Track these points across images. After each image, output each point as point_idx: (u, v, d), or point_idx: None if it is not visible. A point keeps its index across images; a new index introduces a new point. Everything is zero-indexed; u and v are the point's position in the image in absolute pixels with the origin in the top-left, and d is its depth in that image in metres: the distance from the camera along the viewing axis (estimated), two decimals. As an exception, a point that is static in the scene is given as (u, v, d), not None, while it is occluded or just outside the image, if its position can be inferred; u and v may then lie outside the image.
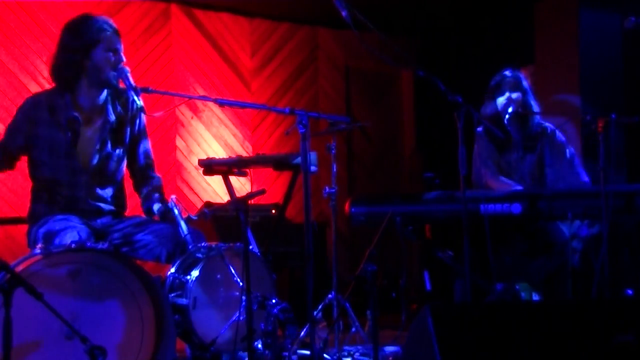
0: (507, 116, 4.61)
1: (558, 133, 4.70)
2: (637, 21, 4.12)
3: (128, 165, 4.09)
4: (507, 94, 4.62)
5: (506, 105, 4.61)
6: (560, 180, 4.61)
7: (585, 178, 4.63)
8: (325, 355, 4.12)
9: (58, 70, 3.87)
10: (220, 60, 6.94)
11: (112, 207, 3.95)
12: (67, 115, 3.82)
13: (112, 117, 3.93)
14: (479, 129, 4.71)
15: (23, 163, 5.71)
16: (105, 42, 3.82)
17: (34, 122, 3.79)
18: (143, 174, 4.11)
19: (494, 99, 4.66)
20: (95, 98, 3.87)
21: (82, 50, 3.80)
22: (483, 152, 4.67)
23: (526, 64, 6.75)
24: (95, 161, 3.89)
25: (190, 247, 3.82)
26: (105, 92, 3.87)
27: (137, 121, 4.03)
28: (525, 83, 4.67)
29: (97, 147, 3.89)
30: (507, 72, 4.67)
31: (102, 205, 3.90)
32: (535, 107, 4.67)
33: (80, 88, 3.85)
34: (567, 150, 4.66)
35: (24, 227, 3.90)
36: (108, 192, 3.95)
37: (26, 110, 3.83)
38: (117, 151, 3.96)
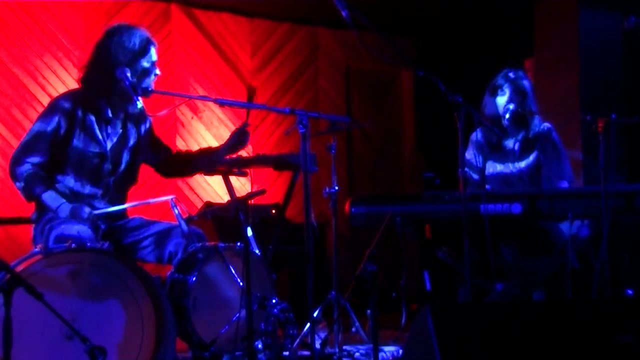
0: (507, 115, 4.61)
1: (554, 133, 4.69)
2: (637, 21, 4.12)
3: (152, 165, 4.18)
4: (508, 94, 4.61)
5: (506, 105, 4.60)
6: (546, 181, 4.60)
7: (565, 184, 4.62)
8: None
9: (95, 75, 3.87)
10: (220, 60, 6.94)
11: (118, 210, 3.96)
12: (105, 117, 3.85)
13: (143, 127, 4.02)
14: (473, 134, 4.69)
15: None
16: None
17: (72, 118, 3.79)
18: (167, 155, 4.19)
19: (495, 97, 4.66)
20: (129, 105, 3.89)
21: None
22: (471, 162, 4.66)
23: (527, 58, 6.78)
24: (122, 167, 3.94)
25: (190, 247, 3.83)
26: (140, 101, 3.84)
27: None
28: (527, 84, 4.65)
29: (126, 153, 3.95)
30: (510, 72, 4.66)
31: (112, 207, 3.91)
32: (535, 109, 4.66)
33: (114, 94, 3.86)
34: (559, 151, 4.66)
35: (24, 227, 3.90)
36: (121, 196, 3.99)
37: (64, 106, 3.81)
38: (139, 158, 4.06)
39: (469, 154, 4.67)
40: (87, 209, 3.73)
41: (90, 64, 3.88)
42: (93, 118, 3.81)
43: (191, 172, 4.39)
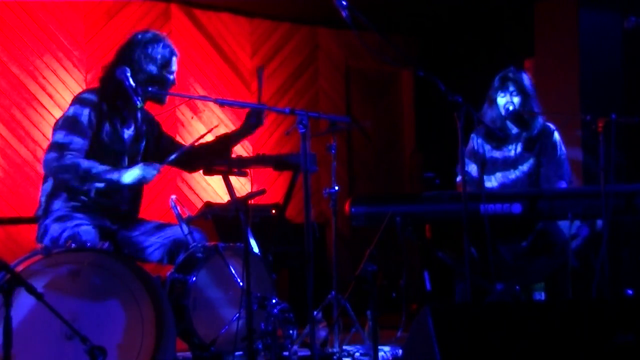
0: (507, 115, 4.60)
1: (556, 133, 4.69)
2: (637, 21, 4.12)
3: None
4: (509, 94, 4.60)
5: (507, 105, 4.59)
6: (545, 181, 4.60)
7: (564, 184, 4.62)
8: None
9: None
10: (220, 60, 6.93)
11: (129, 210, 3.98)
12: (123, 116, 3.88)
13: (152, 132, 4.06)
14: (473, 134, 4.68)
15: (18, 161, 5.71)
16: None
17: (100, 111, 3.79)
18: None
19: (495, 100, 4.65)
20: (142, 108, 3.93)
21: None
22: (469, 159, 4.65)
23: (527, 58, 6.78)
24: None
25: (191, 247, 3.83)
26: (140, 102, 3.82)
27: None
28: (528, 84, 4.65)
29: (139, 156, 3.97)
30: (511, 72, 4.65)
31: (124, 207, 3.94)
32: (537, 108, 4.66)
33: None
34: (559, 152, 4.65)
35: (24, 227, 3.88)
36: (131, 196, 4.00)
37: (91, 98, 3.80)
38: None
39: (467, 165, 4.65)
40: (156, 165, 3.73)
41: (109, 64, 3.90)
42: (115, 116, 3.85)
43: (200, 166, 4.29)
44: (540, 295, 4.63)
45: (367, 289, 3.73)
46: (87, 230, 3.64)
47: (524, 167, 4.64)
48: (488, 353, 2.85)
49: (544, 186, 4.57)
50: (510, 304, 3.62)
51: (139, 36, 3.91)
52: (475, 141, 4.64)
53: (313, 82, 7.47)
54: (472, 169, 4.64)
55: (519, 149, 4.64)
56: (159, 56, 3.89)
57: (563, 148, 4.67)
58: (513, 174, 4.63)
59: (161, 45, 3.92)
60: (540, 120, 4.68)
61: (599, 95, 6.40)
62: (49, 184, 3.84)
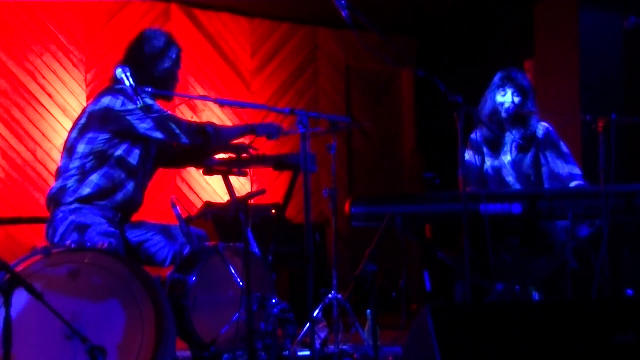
0: (505, 116, 4.60)
1: (552, 131, 4.69)
2: (637, 21, 4.12)
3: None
4: (508, 94, 4.60)
5: (507, 105, 4.59)
6: (554, 178, 4.60)
7: (578, 171, 4.62)
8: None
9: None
10: (220, 60, 6.94)
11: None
12: None
13: None
14: (472, 135, 4.69)
15: (18, 161, 5.72)
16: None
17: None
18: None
19: (495, 95, 4.65)
20: None
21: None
22: (470, 164, 4.65)
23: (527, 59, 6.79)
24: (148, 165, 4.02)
25: (190, 247, 3.83)
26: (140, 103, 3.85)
27: None
28: (527, 84, 4.65)
29: (153, 151, 4.02)
30: (511, 72, 4.65)
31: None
32: (534, 109, 4.66)
33: None
34: (562, 146, 4.66)
35: (24, 227, 3.88)
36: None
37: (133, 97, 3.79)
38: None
39: (468, 155, 4.67)
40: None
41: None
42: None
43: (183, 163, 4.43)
44: (539, 296, 4.62)
45: (367, 289, 3.73)
46: (114, 234, 3.67)
47: (521, 167, 4.64)
48: (488, 353, 2.85)
49: (549, 184, 4.57)
50: (510, 304, 3.61)
51: (151, 34, 3.93)
52: (477, 135, 4.64)
53: (313, 82, 7.48)
54: (477, 159, 4.64)
55: (514, 144, 4.65)
56: (174, 54, 3.92)
57: (564, 144, 4.68)
58: (505, 162, 4.63)
59: (174, 43, 3.95)
60: (536, 121, 4.69)
61: (599, 95, 6.40)
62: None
